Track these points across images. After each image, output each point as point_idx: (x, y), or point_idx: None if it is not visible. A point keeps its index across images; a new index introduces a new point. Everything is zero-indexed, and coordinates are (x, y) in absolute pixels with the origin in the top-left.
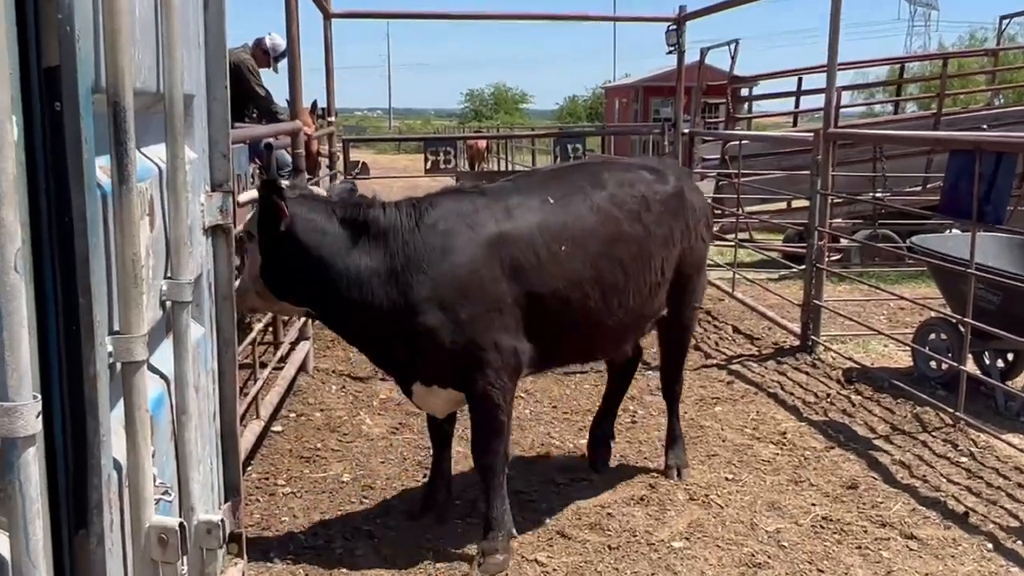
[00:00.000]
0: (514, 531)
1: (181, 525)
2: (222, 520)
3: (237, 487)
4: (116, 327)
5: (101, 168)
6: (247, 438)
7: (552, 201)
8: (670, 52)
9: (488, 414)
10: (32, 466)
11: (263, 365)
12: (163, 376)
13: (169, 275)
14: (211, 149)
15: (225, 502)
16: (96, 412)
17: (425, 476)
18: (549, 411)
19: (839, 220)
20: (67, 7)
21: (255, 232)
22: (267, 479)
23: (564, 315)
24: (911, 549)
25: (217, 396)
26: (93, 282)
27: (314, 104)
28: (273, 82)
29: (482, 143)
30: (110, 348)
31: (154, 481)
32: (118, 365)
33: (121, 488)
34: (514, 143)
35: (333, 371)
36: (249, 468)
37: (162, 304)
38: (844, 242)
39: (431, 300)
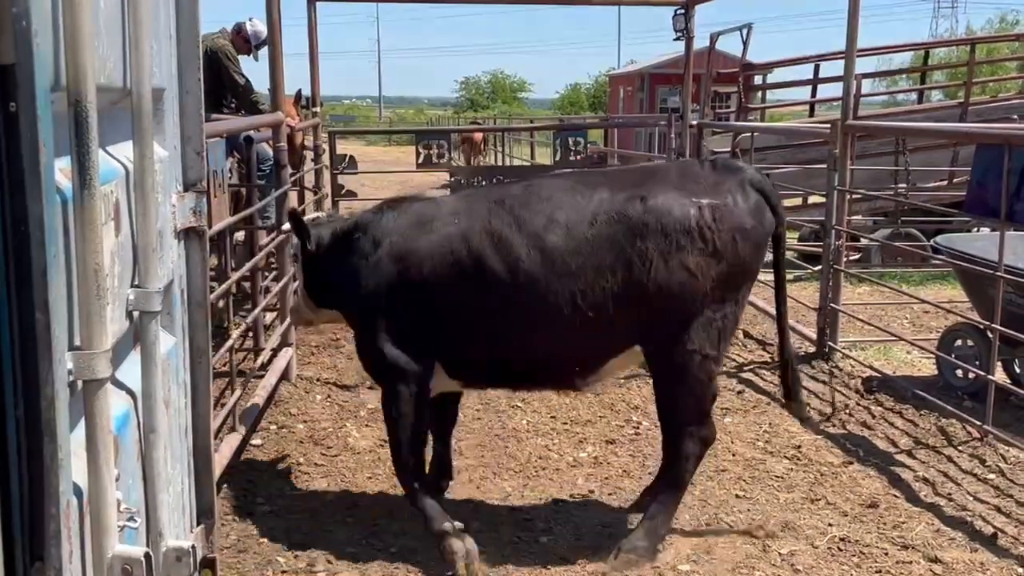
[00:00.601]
0: (446, 526)
1: (147, 555)
2: (193, 546)
3: (211, 508)
4: (77, 342)
5: (61, 171)
6: (223, 453)
7: (459, 220)
8: (678, 38)
9: (387, 421)
10: None
11: (242, 374)
12: (130, 392)
13: (137, 283)
14: (183, 146)
15: (198, 525)
16: (54, 435)
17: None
18: (548, 422)
19: (858, 217)
20: (23, 1)
21: (297, 252)
22: (245, 497)
23: (471, 338)
24: (935, 573)
25: (189, 411)
26: (51, 295)
27: (298, 94)
28: (254, 70)
29: (478, 135)
30: (70, 365)
31: (118, 507)
32: (79, 383)
33: (82, 516)
34: (512, 135)
35: (318, 379)
36: (225, 486)
37: (129, 315)
38: (864, 241)
39: (353, 297)
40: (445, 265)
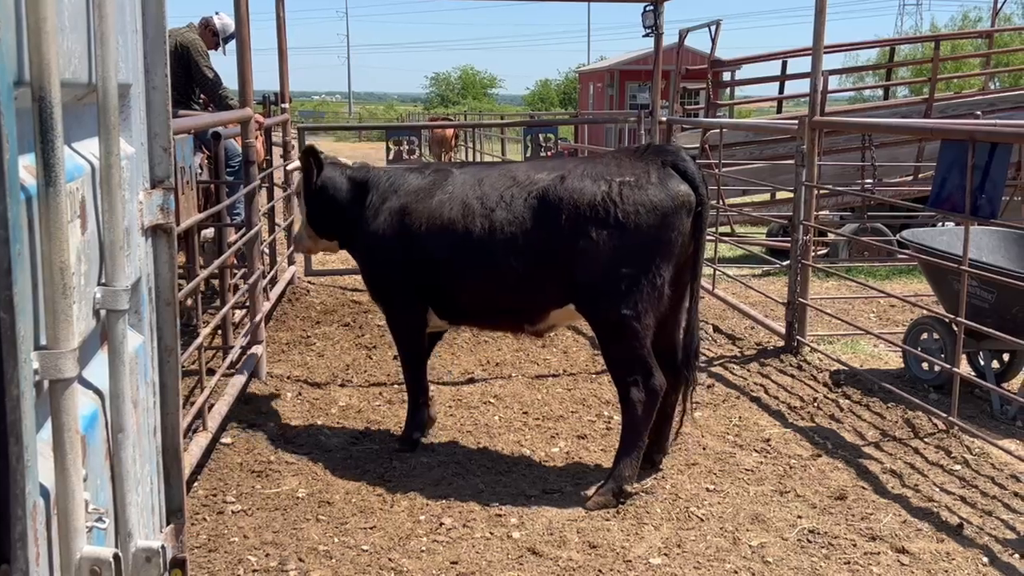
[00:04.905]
0: (415, 435)
1: (116, 556)
2: (163, 546)
3: (181, 508)
4: (43, 341)
5: (25, 168)
6: (193, 452)
7: (445, 190)
8: (647, 34)
9: (395, 341)
10: None
11: (211, 372)
12: (97, 391)
13: (104, 281)
14: (150, 142)
15: (167, 525)
16: (20, 436)
17: (387, 491)
18: (519, 417)
19: (825, 212)
20: None
21: (300, 190)
22: (215, 496)
23: (444, 279)
24: (902, 564)
25: (158, 409)
26: (16, 294)
27: (265, 98)
28: (221, 66)
29: (449, 131)
30: (36, 365)
31: (86, 507)
32: (45, 383)
33: (49, 517)
34: (483, 132)
35: (288, 377)
36: (195, 485)
37: (96, 313)
38: (831, 236)
39: (364, 245)
40: (438, 227)
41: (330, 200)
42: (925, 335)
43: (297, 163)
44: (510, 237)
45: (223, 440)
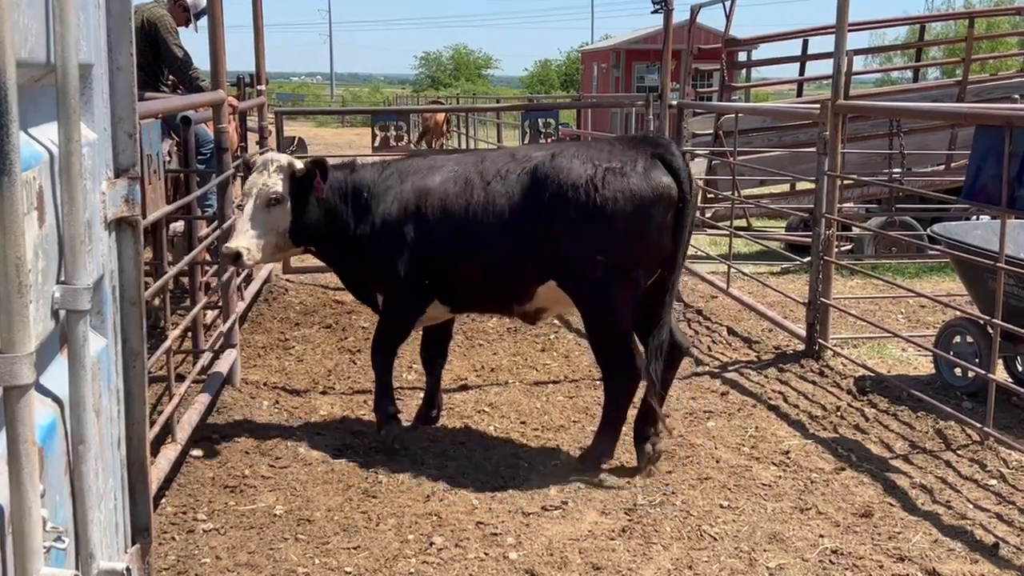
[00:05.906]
0: (390, 409)
1: None
2: (128, 568)
3: (147, 526)
4: None
5: None
6: (161, 466)
7: (443, 172)
8: (656, 11)
9: (383, 318)
10: None
11: (180, 378)
12: (56, 399)
13: (63, 279)
14: (114, 127)
15: (132, 545)
16: None
17: (372, 508)
18: (517, 427)
19: (850, 205)
20: None
21: (287, 196)
22: (185, 513)
23: (445, 259)
24: None
25: (123, 419)
26: None
27: (239, 80)
28: (192, 44)
29: (440, 116)
30: None
31: (44, 526)
32: None
33: (3, 537)
34: (477, 117)
35: (264, 384)
36: (163, 501)
37: (54, 314)
38: (856, 230)
39: (370, 233)
40: (433, 204)
41: (330, 209)
42: (958, 338)
43: (289, 163)
44: (500, 209)
45: (193, 452)
